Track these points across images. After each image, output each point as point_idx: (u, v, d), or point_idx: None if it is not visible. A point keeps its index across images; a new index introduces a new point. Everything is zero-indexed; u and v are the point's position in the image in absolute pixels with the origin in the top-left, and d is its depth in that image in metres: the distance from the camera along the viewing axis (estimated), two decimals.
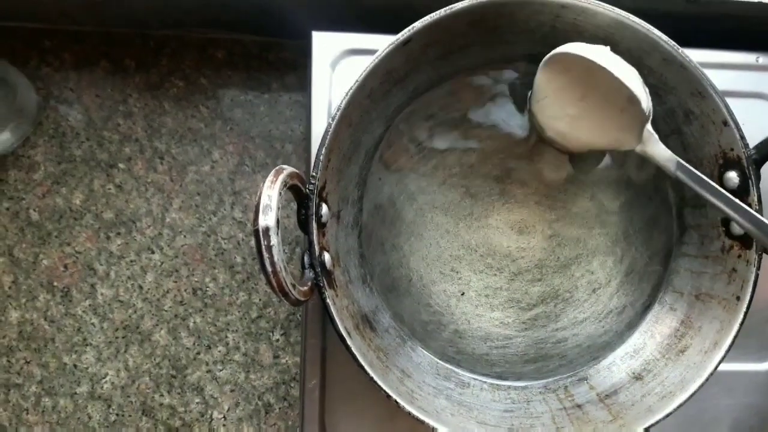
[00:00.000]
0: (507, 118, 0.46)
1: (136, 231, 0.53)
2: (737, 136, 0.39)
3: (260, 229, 0.32)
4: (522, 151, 0.46)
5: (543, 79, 0.42)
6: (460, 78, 0.45)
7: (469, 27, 0.41)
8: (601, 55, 0.39)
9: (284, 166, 0.35)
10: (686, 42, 0.40)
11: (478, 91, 0.46)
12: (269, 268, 0.32)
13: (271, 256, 0.32)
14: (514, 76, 0.46)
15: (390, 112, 0.44)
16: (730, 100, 0.40)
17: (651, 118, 0.40)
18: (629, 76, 0.39)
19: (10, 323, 0.51)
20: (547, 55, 0.40)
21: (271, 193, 0.32)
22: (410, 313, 0.45)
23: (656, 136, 0.40)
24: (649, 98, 0.40)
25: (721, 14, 0.50)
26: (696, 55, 0.40)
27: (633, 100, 0.39)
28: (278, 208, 0.32)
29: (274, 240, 0.32)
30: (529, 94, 0.44)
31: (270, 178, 0.33)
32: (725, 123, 0.40)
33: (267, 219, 0.32)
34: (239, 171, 0.54)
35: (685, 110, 0.42)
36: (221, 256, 0.53)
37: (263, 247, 0.32)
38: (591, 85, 0.40)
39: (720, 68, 0.48)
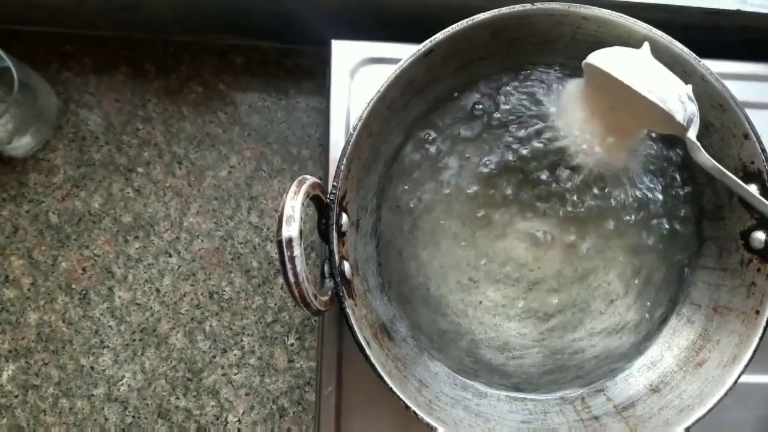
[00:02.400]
0: (526, 127, 0.46)
1: (153, 235, 0.53)
2: (759, 149, 0.39)
3: (284, 240, 0.32)
4: (541, 161, 0.46)
5: (572, 88, 0.41)
6: (480, 87, 0.45)
7: (490, 37, 0.41)
8: (629, 67, 0.37)
9: (307, 177, 0.35)
10: (705, 53, 0.40)
11: (497, 101, 0.46)
12: (292, 279, 0.32)
13: (294, 267, 0.32)
14: (534, 85, 0.46)
15: (409, 121, 0.45)
16: (749, 112, 0.39)
17: (696, 124, 0.38)
18: (661, 90, 0.36)
19: (29, 325, 0.52)
20: (582, 62, 0.39)
21: (294, 204, 0.33)
22: (427, 322, 0.45)
23: (698, 144, 0.38)
24: (692, 104, 0.38)
25: (741, 26, 0.50)
26: (716, 66, 0.40)
27: (666, 114, 0.37)
28: (301, 219, 0.32)
29: (297, 251, 0.32)
30: (559, 102, 0.44)
31: (293, 188, 0.33)
32: (746, 136, 0.39)
33: (290, 230, 0.32)
34: (256, 176, 0.54)
35: (705, 122, 0.42)
36: (238, 261, 0.53)
37: (286, 257, 0.32)
38: (620, 96, 0.38)
39: (740, 79, 0.48)
